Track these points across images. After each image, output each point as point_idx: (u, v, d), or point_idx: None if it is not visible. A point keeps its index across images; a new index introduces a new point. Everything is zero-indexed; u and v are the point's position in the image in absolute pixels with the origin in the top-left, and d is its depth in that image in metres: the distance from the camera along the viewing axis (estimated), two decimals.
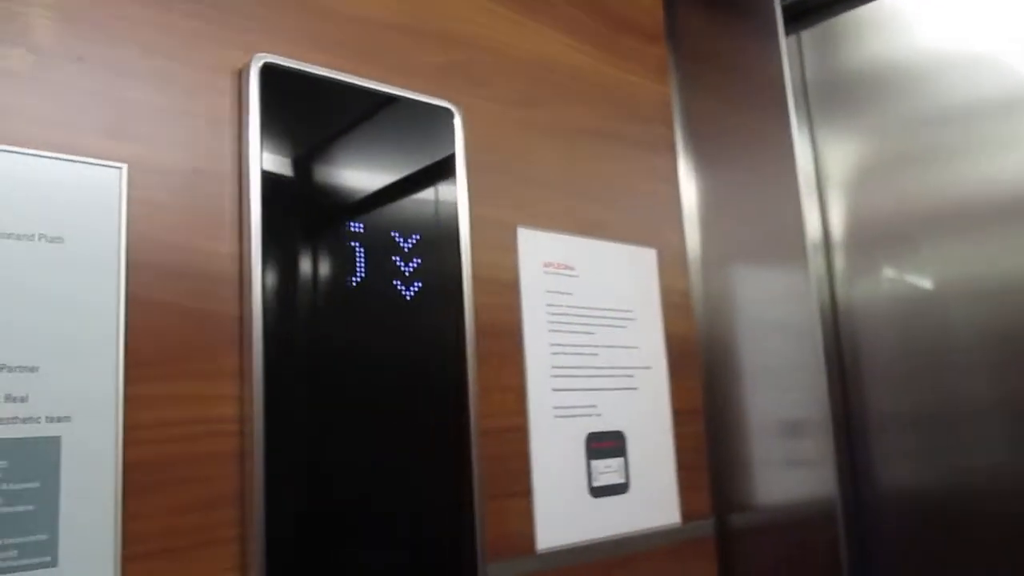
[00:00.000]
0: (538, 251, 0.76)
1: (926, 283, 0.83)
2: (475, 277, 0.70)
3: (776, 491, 0.83)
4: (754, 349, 0.87)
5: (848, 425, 0.86)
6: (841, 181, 0.90)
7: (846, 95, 0.90)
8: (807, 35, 0.95)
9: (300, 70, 0.62)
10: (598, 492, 0.75)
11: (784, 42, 0.88)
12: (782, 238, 0.85)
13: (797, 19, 0.95)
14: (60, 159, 0.51)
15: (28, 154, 0.50)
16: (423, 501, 0.62)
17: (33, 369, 0.48)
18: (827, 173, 0.91)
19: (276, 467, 0.54)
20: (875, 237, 0.86)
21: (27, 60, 0.51)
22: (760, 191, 0.88)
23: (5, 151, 0.49)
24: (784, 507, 0.83)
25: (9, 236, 0.48)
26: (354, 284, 0.61)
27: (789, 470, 0.82)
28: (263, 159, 0.58)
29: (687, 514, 0.83)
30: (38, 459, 0.47)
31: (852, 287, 0.88)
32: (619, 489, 0.77)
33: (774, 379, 0.85)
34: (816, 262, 0.88)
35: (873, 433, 0.85)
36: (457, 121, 0.71)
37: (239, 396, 0.56)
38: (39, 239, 0.49)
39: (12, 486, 0.46)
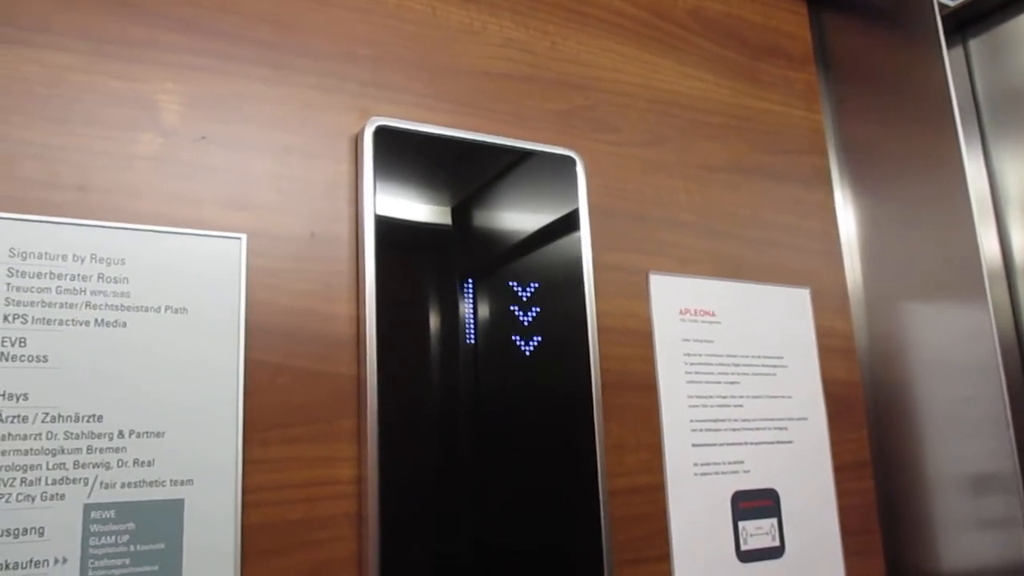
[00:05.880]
0: (673, 297, 0.72)
1: None
2: (602, 328, 0.67)
3: (960, 555, 0.73)
4: (929, 394, 0.78)
5: None
6: (1023, 201, 0.79)
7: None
8: (975, 44, 0.85)
9: (414, 130, 0.62)
10: (747, 556, 0.69)
11: (947, 54, 0.79)
12: (955, 268, 0.76)
13: (962, 28, 0.86)
14: (185, 233, 0.54)
15: (157, 231, 0.53)
16: (547, 566, 0.59)
17: (160, 434, 0.50)
18: (1005, 193, 0.81)
19: (391, 529, 0.54)
20: None
21: (156, 143, 0.55)
22: (928, 218, 0.80)
23: (137, 230, 0.52)
24: (970, 574, 0.72)
25: (139, 309, 0.51)
26: (471, 342, 0.60)
27: (975, 531, 0.72)
28: (377, 220, 0.59)
29: None
30: (163, 521, 0.49)
31: None
32: (773, 553, 0.70)
33: (954, 427, 0.75)
34: (997, 293, 0.78)
35: None
36: (579, 168, 0.69)
37: (357, 457, 0.56)
38: (165, 311, 0.52)
39: (140, 547, 0.48)
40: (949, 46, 0.81)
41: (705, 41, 0.83)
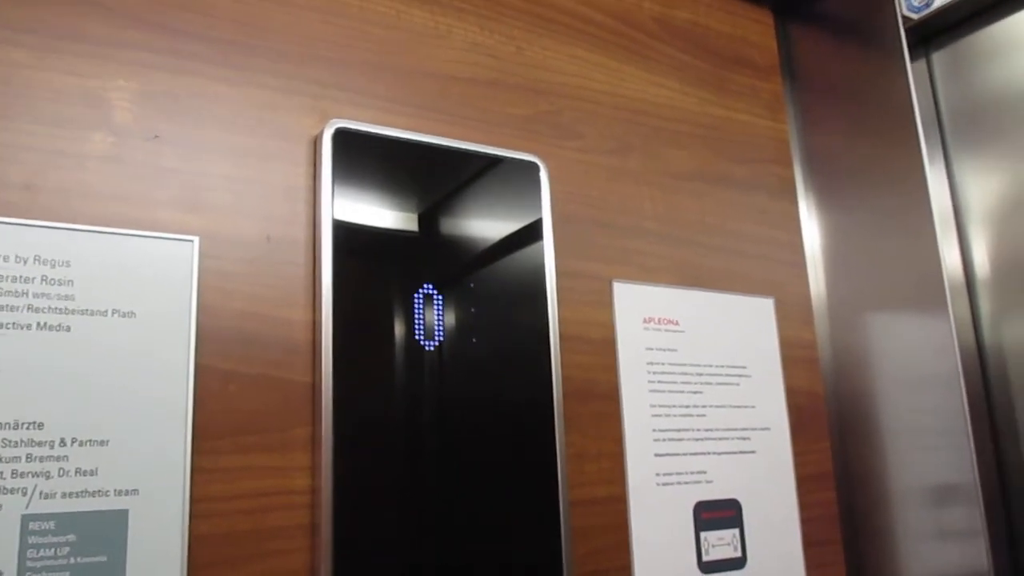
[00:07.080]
0: (637, 306, 0.72)
1: None
2: (564, 336, 0.66)
3: (922, 566, 0.73)
4: (892, 405, 0.78)
5: (1003, 490, 0.75)
6: (984, 215, 0.80)
7: (986, 121, 0.81)
8: (938, 58, 0.86)
9: (374, 133, 0.61)
10: (709, 568, 0.68)
11: (910, 67, 0.80)
12: (918, 281, 0.76)
13: (926, 42, 0.87)
14: (135, 235, 0.52)
15: (105, 232, 0.51)
16: None
17: (104, 443, 0.49)
18: (967, 207, 0.81)
19: (345, 540, 0.52)
20: None
21: (107, 141, 0.53)
22: (891, 230, 0.80)
23: (85, 231, 0.51)
24: None
25: (84, 313, 0.50)
26: (429, 348, 0.59)
27: (936, 542, 0.72)
28: (335, 224, 0.58)
29: None
30: (106, 533, 0.48)
31: (1001, 332, 0.77)
32: (735, 564, 0.70)
33: (916, 439, 0.75)
34: (958, 305, 0.78)
35: None
36: (543, 175, 0.68)
37: (311, 467, 0.55)
38: (112, 314, 0.50)
39: (80, 560, 0.47)
40: (912, 59, 0.81)
41: (672, 49, 0.83)
